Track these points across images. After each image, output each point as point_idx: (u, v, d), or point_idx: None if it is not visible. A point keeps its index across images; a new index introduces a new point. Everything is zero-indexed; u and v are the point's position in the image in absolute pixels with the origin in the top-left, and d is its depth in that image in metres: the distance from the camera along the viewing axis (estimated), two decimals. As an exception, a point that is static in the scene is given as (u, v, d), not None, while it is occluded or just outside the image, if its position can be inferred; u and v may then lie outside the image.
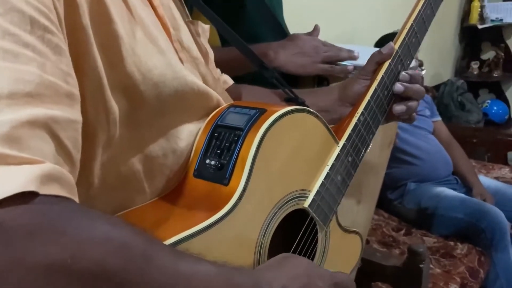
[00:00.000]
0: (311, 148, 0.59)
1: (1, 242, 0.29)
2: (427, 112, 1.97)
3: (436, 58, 3.12)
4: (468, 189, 1.84)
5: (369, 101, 0.67)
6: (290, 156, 0.56)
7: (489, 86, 3.49)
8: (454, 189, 1.79)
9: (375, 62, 0.71)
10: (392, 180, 1.76)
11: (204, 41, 0.67)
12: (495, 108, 3.21)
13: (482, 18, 3.31)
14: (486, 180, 1.90)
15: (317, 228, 0.63)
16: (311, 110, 0.59)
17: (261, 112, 0.54)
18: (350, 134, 0.64)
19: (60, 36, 0.38)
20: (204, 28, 0.68)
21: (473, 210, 1.60)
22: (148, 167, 0.51)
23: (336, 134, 0.63)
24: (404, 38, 0.71)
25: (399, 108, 0.71)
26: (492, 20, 3.26)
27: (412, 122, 0.77)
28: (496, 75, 3.38)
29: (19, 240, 0.29)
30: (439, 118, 2.05)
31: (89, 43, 0.42)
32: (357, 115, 0.65)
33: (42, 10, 0.36)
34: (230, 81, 0.80)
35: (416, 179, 1.81)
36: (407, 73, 0.72)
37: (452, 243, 1.57)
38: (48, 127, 0.34)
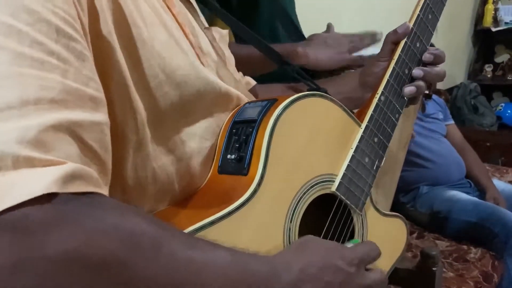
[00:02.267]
0: (330, 131, 0.60)
1: (21, 234, 0.31)
2: (440, 115, 1.96)
3: (449, 61, 3.10)
4: (481, 193, 1.82)
5: (388, 81, 0.67)
6: (308, 140, 0.57)
7: (502, 89, 3.46)
8: (467, 193, 1.78)
9: (390, 42, 0.71)
10: (404, 183, 1.75)
11: (223, 45, 0.68)
12: (509, 111, 3.18)
13: (496, 21, 3.29)
14: (500, 184, 1.88)
15: (352, 213, 0.63)
16: (325, 94, 0.59)
17: (272, 102, 0.55)
18: (372, 115, 0.64)
19: (84, 43, 0.40)
20: (222, 33, 0.69)
21: (486, 214, 1.58)
22: (179, 168, 0.53)
23: (359, 118, 0.63)
24: (418, 14, 0.71)
25: (408, 90, 0.69)
26: (506, 23, 3.23)
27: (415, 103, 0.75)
28: (510, 78, 3.34)
29: (37, 232, 0.31)
30: (452, 122, 2.04)
31: (113, 48, 0.44)
32: (377, 95, 0.66)
33: (67, 20, 0.38)
34: (253, 82, 0.81)
35: (428, 183, 1.80)
36: (430, 53, 0.71)
37: (465, 247, 1.56)
38: (70, 130, 0.36)
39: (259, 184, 0.51)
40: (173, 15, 0.55)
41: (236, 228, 0.48)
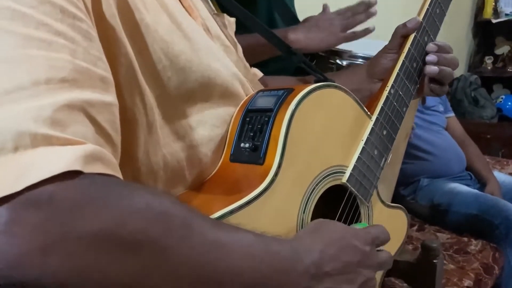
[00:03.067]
0: (343, 123, 0.60)
1: (52, 214, 0.31)
2: (441, 108, 1.95)
3: (449, 53, 3.08)
4: (482, 185, 1.82)
5: (398, 74, 0.67)
6: (323, 131, 0.57)
7: (503, 81, 3.45)
8: (468, 185, 1.78)
9: (400, 36, 0.72)
10: (405, 176, 1.75)
11: (231, 33, 0.68)
12: (509, 103, 3.17)
13: (496, 12, 3.27)
14: (500, 176, 1.88)
15: (359, 204, 0.63)
16: (339, 85, 0.59)
17: (289, 92, 0.55)
18: (382, 107, 0.65)
19: (89, 23, 0.40)
20: (230, 21, 0.69)
21: (487, 206, 1.58)
22: (190, 155, 0.53)
23: (369, 110, 0.64)
24: (428, 9, 0.71)
25: (432, 68, 0.70)
26: (506, 14, 3.22)
27: (443, 94, 0.75)
28: (510, 70, 3.33)
29: (67, 212, 0.31)
30: (452, 114, 2.03)
31: (117, 31, 0.44)
32: (387, 88, 0.66)
33: (70, 0, 0.38)
34: (260, 74, 0.81)
35: (429, 175, 1.79)
36: (435, 44, 0.71)
37: (465, 239, 1.56)
38: (84, 110, 0.36)
39: (276, 174, 0.50)
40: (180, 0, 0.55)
41: (253, 217, 0.48)
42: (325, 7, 1.10)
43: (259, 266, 0.40)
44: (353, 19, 1.01)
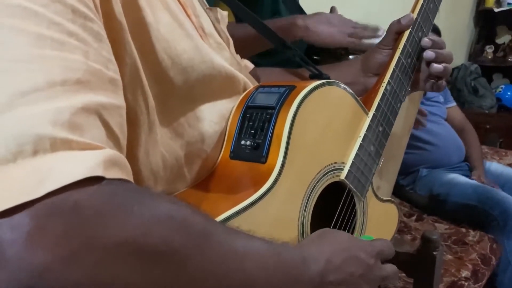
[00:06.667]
0: (342, 120, 0.60)
1: (76, 223, 0.30)
2: (441, 99, 1.95)
3: (450, 42, 3.07)
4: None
5: (394, 70, 0.68)
6: (323, 129, 0.57)
7: (503, 70, 3.44)
8: (466, 176, 1.78)
9: (394, 32, 0.72)
10: (404, 166, 1.74)
11: (223, 27, 0.67)
12: (508, 93, 3.17)
13: (498, 1, 3.25)
14: (498, 167, 1.89)
15: (355, 200, 0.64)
16: (339, 82, 0.59)
17: (291, 89, 0.54)
18: (379, 104, 0.65)
19: (99, 23, 0.39)
20: (223, 15, 0.68)
21: (485, 197, 1.59)
22: (188, 152, 0.52)
23: (364, 105, 0.64)
24: (423, 4, 0.72)
25: (437, 66, 0.71)
26: (509, 4, 3.20)
27: (442, 89, 0.76)
28: (511, 60, 3.32)
29: (92, 220, 0.30)
30: (454, 104, 2.03)
31: (123, 30, 0.43)
32: (384, 84, 0.66)
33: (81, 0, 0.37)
34: (251, 65, 0.80)
35: (428, 165, 1.80)
36: (429, 38, 0.72)
37: (464, 229, 1.57)
38: (99, 113, 0.35)
39: (279, 174, 0.50)
40: None
41: (258, 217, 0.48)
42: (333, 9, 1.10)
43: (272, 276, 0.41)
44: (362, 32, 1.01)
